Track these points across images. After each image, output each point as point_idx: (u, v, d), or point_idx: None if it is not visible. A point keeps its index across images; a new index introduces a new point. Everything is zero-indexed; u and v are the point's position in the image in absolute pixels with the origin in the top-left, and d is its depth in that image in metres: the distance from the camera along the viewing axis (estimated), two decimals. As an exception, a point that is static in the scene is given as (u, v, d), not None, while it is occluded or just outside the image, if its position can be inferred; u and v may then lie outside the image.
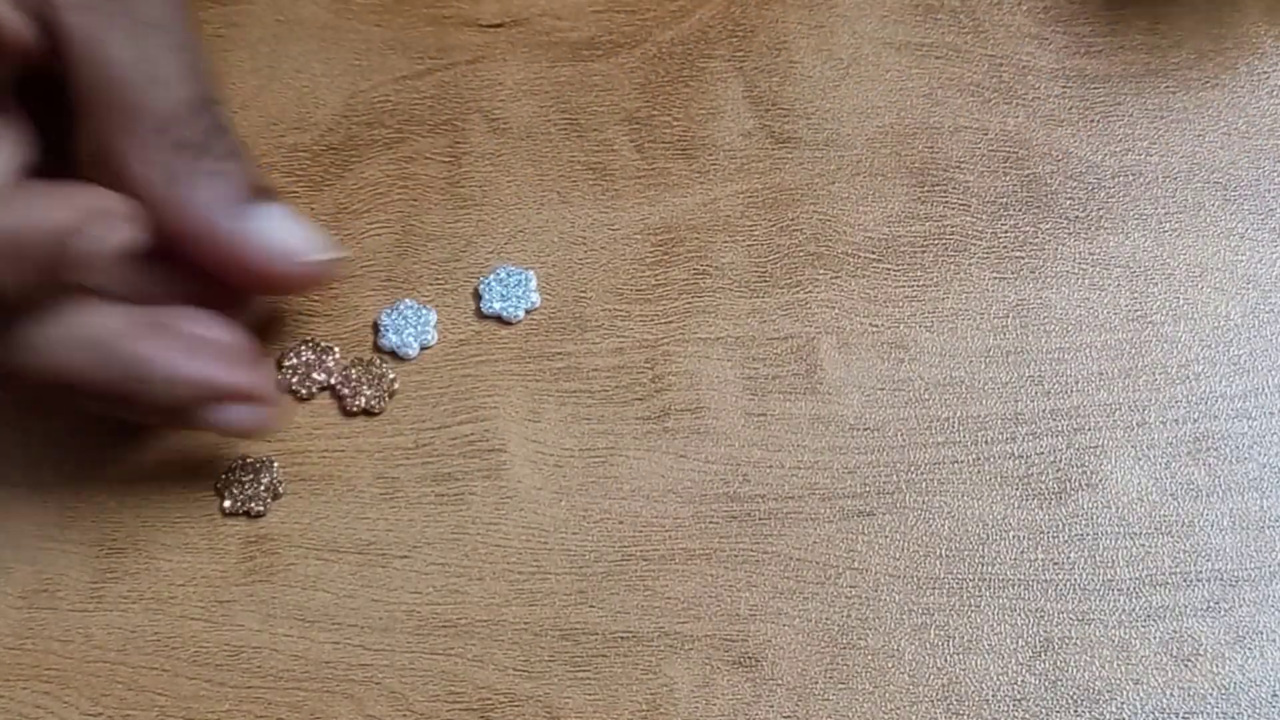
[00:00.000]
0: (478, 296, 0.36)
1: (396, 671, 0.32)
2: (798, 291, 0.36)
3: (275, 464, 0.34)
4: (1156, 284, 0.36)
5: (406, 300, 0.36)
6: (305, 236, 0.32)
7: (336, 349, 0.35)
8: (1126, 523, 0.33)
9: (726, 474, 0.34)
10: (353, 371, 0.35)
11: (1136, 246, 0.36)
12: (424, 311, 0.36)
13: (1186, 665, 0.32)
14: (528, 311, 0.36)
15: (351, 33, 0.39)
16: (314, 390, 0.35)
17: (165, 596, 0.33)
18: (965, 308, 0.36)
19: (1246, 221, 0.36)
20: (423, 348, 0.35)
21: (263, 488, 0.34)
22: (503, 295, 0.36)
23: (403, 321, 0.35)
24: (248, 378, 0.31)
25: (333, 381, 0.35)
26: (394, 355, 0.35)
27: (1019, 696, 0.32)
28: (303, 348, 0.35)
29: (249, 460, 0.34)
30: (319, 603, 0.33)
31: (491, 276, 0.36)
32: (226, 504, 0.34)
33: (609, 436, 0.34)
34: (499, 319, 0.36)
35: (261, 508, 0.33)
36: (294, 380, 0.35)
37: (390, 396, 0.35)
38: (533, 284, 0.36)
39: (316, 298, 0.36)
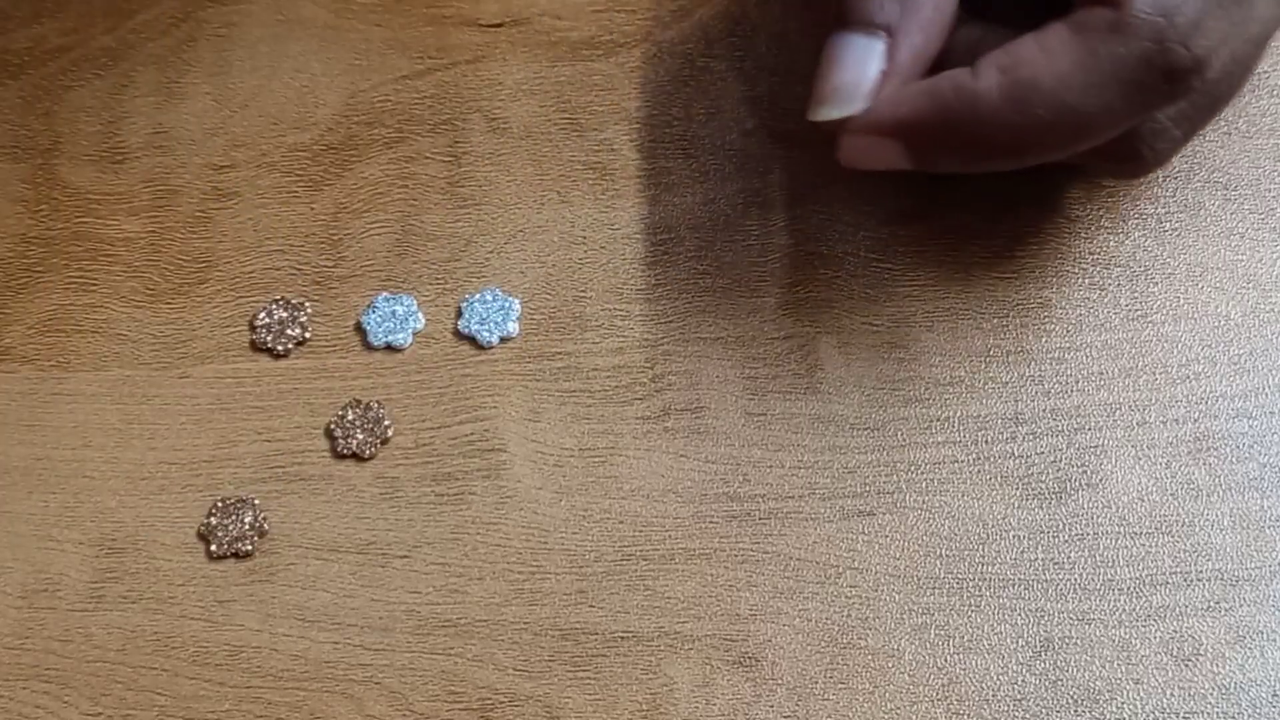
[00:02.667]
0: (458, 313, 0.36)
1: (396, 671, 0.32)
2: (798, 291, 0.36)
3: (256, 501, 0.34)
4: (1156, 283, 0.36)
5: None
6: None
7: (308, 304, 0.35)
8: (1127, 522, 0.33)
9: (726, 474, 0.34)
10: (348, 413, 0.35)
11: (1137, 246, 0.36)
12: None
13: (1187, 665, 0.32)
14: (502, 340, 0.35)
15: (351, 33, 0.39)
16: (289, 347, 0.35)
17: (165, 596, 0.33)
18: (965, 307, 0.36)
19: (1246, 221, 0.36)
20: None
21: (247, 526, 0.33)
22: (481, 317, 0.35)
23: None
24: None
25: (306, 333, 0.35)
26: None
27: (1019, 696, 0.32)
28: (274, 306, 0.36)
29: (228, 502, 0.34)
30: (319, 603, 0.33)
31: (475, 297, 0.36)
32: (213, 548, 0.33)
33: (609, 436, 0.34)
34: (472, 341, 0.35)
35: (249, 547, 0.33)
36: (269, 339, 0.35)
37: (383, 444, 0.34)
38: (515, 314, 0.36)
39: (316, 297, 0.36)
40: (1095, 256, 0.36)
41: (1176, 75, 0.29)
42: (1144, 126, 0.31)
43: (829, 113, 0.32)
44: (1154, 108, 0.30)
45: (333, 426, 0.34)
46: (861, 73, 0.32)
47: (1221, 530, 0.33)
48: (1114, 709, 0.32)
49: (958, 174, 0.35)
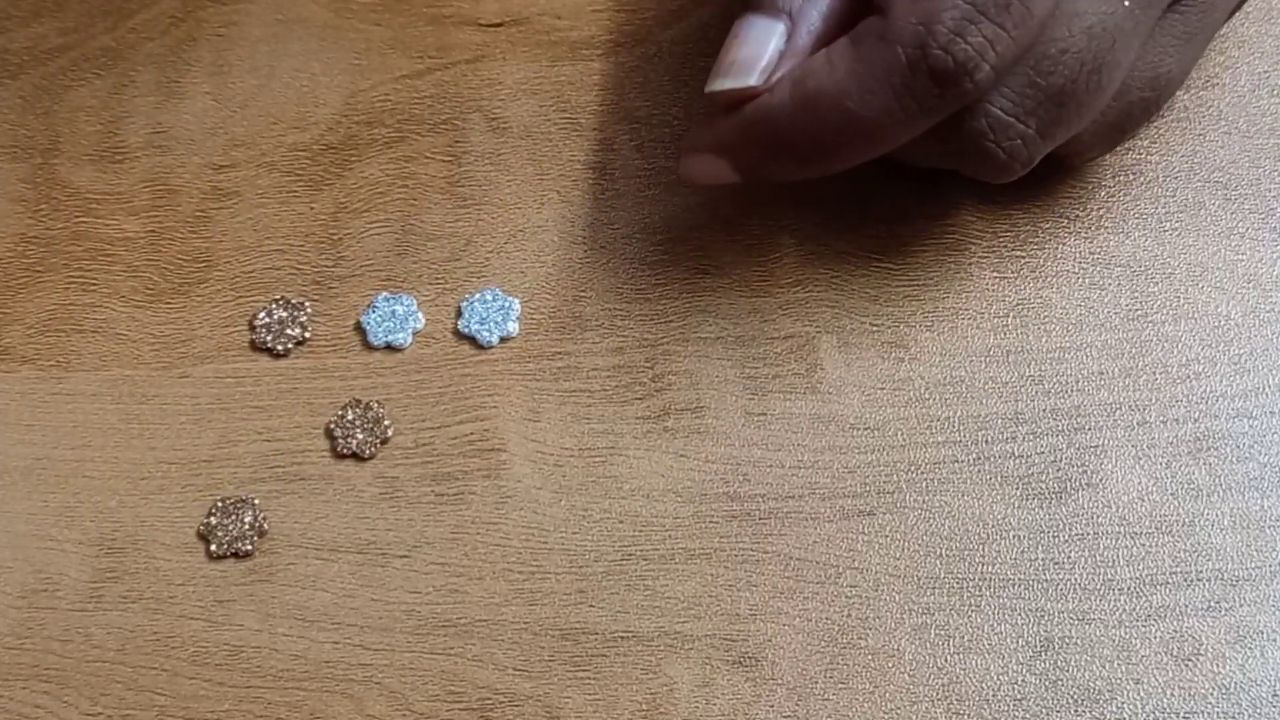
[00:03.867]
0: (458, 313, 0.36)
1: (396, 671, 0.32)
2: (798, 291, 0.36)
3: (256, 501, 0.34)
4: (1157, 283, 0.36)
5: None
6: None
7: (308, 304, 0.36)
8: (1127, 522, 0.33)
9: (726, 474, 0.34)
10: (348, 413, 0.35)
11: (1137, 245, 0.36)
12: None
13: (1187, 665, 0.32)
14: (502, 340, 0.35)
15: (351, 32, 0.39)
16: (289, 346, 0.35)
17: (165, 596, 0.33)
18: (965, 307, 0.36)
19: (1246, 221, 0.36)
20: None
21: (247, 526, 0.33)
22: (481, 317, 0.35)
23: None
24: None
25: (306, 333, 0.35)
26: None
27: (1019, 696, 0.32)
28: (274, 306, 0.36)
29: (228, 501, 0.34)
30: (319, 603, 0.33)
31: (475, 296, 0.36)
32: (213, 548, 0.33)
33: (609, 436, 0.34)
34: (472, 340, 0.35)
35: (249, 546, 0.33)
36: (269, 338, 0.35)
37: (383, 444, 0.34)
38: (515, 313, 0.36)
39: (316, 296, 0.36)
40: (1095, 256, 0.36)
41: (944, 79, 0.31)
42: (979, 122, 0.32)
43: (724, 84, 0.33)
44: (935, 110, 0.31)
45: (333, 426, 0.34)
46: (760, 50, 0.33)
47: (1221, 530, 0.33)
48: (1114, 709, 0.32)
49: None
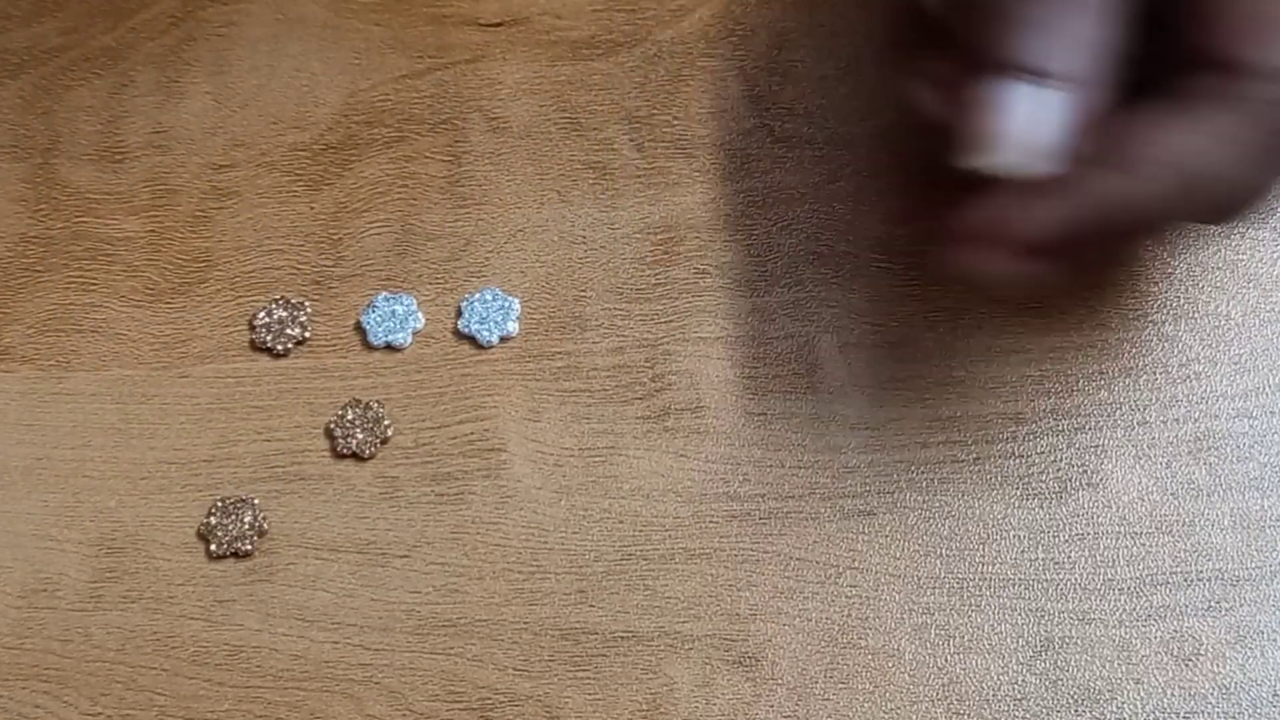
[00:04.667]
0: (458, 312, 0.36)
1: (396, 671, 0.32)
2: (798, 291, 0.36)
3: (256, 500, 0.34)
4: (1156, 283, 0.36)
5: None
6: None
7: (307, 304, 0.36)
8: (1127, 522, 0.33)
9: (726, 474, 0.34)
10: (348, 413, 0.35)
11: (1137, 245, 0.36)
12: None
13: (1187, 665, 0.32)
14: (502, 339, 0.35)
15: (351, 32, 0.39)
16: (289, 346, 0.35)
17: (165, 596, 0.33)
18: (965, 307, 0.36)
19: (1246, 221, 0.36)
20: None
21: (247, 526, 0.33)
22: (481, 317, 0.35)
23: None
24: None
25: (306, 333, 0.35)
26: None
27: (1019, 696, 0.32)
28: (274, 305, 0.36)
29: (228, 501, 0.34)
30: (319, 602, 0.33)
31: (475, 296, 0.36)
32: (213, 548, 0.33)
33: (609, 436, 0.34)
34: (472, 340, 0.35)
35: (249, 546, 0.33)
36: (268, 338, 0.35)
37: (383, 444, 0.34)
38: (515, 313, 0.36)
39: (316, 296, 0.36)
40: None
41: None
42: None
43: (1006, 163, 0.28)
44: None
45: (333, 426, 0.34)
46: (1047, 128, 0.28)
47: (1221, 530, 0.33)
48: (1114, 709, 0.32)
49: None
